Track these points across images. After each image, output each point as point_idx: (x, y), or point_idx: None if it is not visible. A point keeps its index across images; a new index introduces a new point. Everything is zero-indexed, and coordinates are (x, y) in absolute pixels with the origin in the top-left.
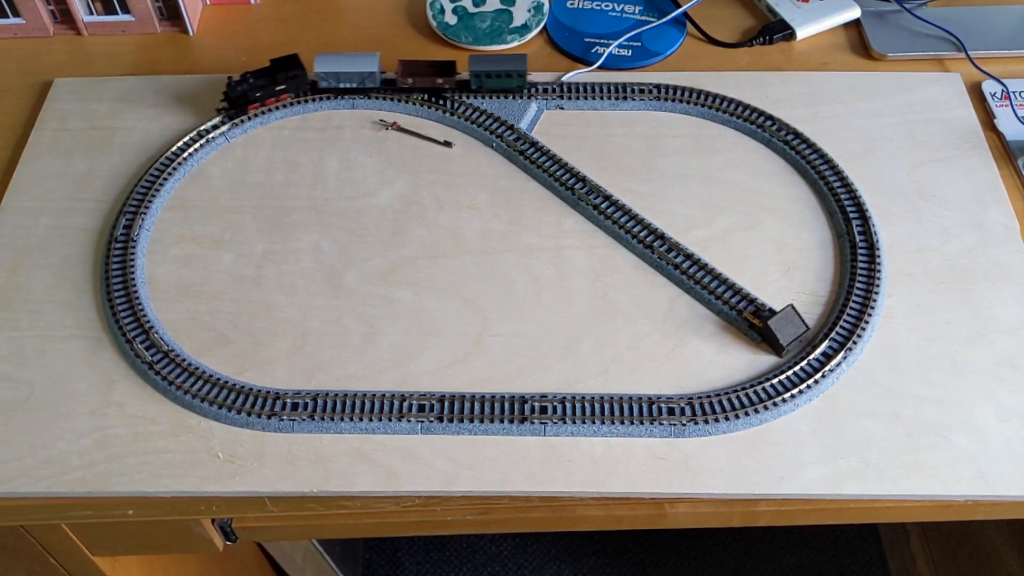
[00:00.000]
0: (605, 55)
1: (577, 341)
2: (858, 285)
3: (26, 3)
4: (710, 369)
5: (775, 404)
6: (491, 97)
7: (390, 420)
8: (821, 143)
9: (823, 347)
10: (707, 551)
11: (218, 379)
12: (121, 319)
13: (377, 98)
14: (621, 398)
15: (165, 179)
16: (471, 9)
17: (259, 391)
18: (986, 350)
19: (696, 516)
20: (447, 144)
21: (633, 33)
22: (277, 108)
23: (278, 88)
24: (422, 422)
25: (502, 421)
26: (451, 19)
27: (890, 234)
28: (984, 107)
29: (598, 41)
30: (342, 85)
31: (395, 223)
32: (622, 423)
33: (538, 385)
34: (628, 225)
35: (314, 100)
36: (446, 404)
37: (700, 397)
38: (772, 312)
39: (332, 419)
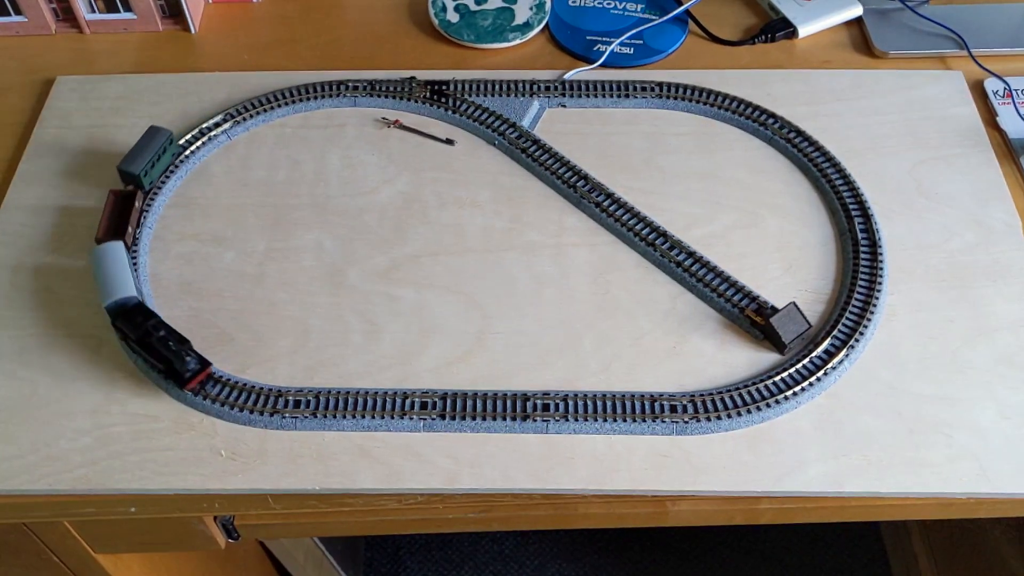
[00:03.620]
0: (607, 53)
1: (579, 338)
2: (860, 283)
3: (28, 1)
4: (712, 366)
5: (777, 402)
6: (493, 95)
7: (392, 417)
8: (823, 141)
9: (825, 345)
10: (709, 549)
11: (220, 376)
12: None
13: (379, 96)
14: (623, 395)
15: (167, 177)
16: (473, 7)
17: (261, 388)
18: (987, 347)
19: (698, 514)
20: (449, 142)
21: (635, 31)
22: (278, 107)
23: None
24: (424, 419)
25: (504, 418)
26: (453, 17)
27: (891, 231)
28: (986, 105)
29: (600, 39)
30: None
31: (397, 221)
32: (624, 420)
33: (540, 382)
34: (630, 223)
35: (315, 98)
36: (448, 401)
37: (702, 394)
38: (774, 310)
39: (334, 416)
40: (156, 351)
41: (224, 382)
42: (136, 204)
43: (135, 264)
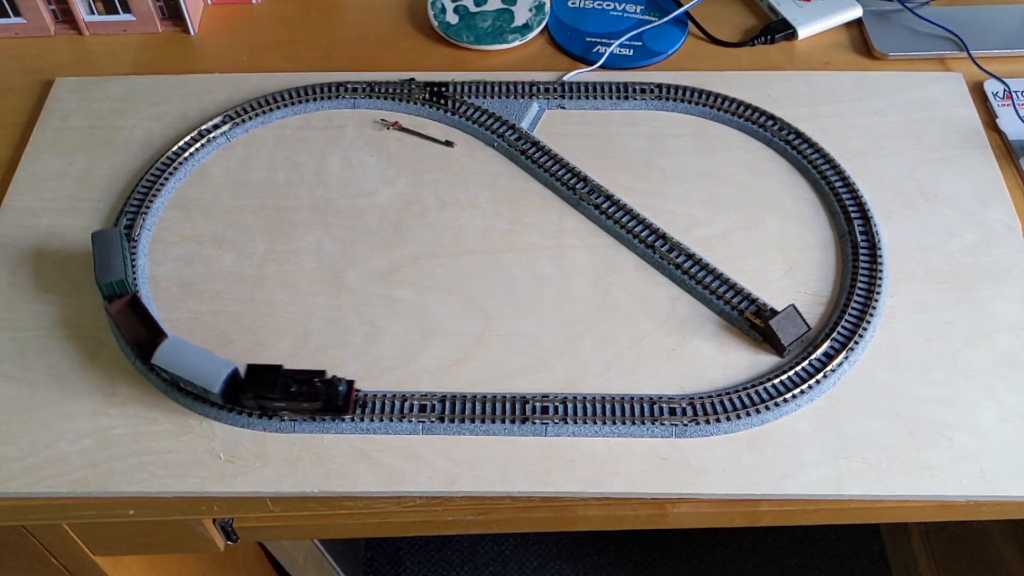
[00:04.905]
0: (607, 54)
1: (578, 340)
2: (859, 284)
3: (27, 3)
4: (711, 369)
5: (777, 404)
6: (493, 97)
7: (391, 420)
8: (822, 142)
9: (825, 347)
10: (708, 550)
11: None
12: None
13: (379, 98)
14: (622, 398)
15: (166, 178)
16: (472, 8)
17: None
18: (988, 349)
19: (698, 516)
20: (449, 144)
21: (635, 32)
22: (278, 109)
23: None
24: (423, 422)
25: (503, 421)
26: (452, 18)
27: (891, 233)
28: (986, 106)
29: (599, 40)
30: (182, 386)
31: (397, 222)
32: (623, 423)
33: (539, 385)
34: (629, 224)
35: (315, 99)
36: (447, 404)
37: (701, 397)
38: (773, 312)
39: (333, 419)
40: (305, 395)
41: None
42: (143, 306)
43: (134, 265)
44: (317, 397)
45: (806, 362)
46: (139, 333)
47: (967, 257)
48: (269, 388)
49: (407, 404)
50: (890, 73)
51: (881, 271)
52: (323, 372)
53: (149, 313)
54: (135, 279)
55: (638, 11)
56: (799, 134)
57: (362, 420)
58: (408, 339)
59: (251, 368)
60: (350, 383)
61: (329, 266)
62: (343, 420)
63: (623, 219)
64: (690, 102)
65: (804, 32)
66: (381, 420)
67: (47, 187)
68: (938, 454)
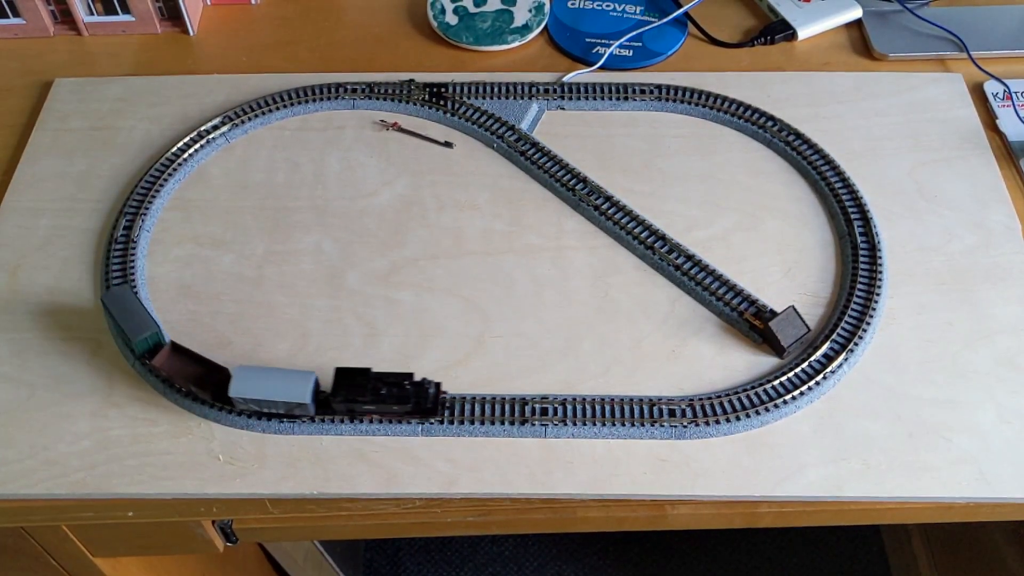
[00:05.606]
0: (606, 55)
1: (578, 342)
2: (859, 286)
3: (27, 3)
4: (711, 370)
5: (776, 406)
6: (492, 98)
7: (390, 421)
8: (822, 143)
9: (824, 348)
10: (708, 551)
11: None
12: None
13: (378, 98)
14: (622, 399)
15: (166, 179)
16: (472, 9)
17: None
18: (987, 350)
19: (697, 517)
20: (448, 144)
21: (634, 33)
22: (277, 110)
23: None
24: (423, 423)
25: (503, 422)
26: (452, 19)
27: (891, 234)
28: (986, 107)
29: (599, 41)
30: (265, 411)
31: (396, 223)
32: (623, 424)
33: (539, 386)
34: (629, 226)
35: (314, 100)
36: (447, 405)
37: (701, 398)
38: (773, 313)
39: (332, 420)
40: (396, 397)
41: None
42: (186, 349)
43: (133, 266)
44: (408, 399)
45: (806, 363)
46: (196, 374)
47: (967, 258)
48: (360, 391)
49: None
50: (890, 74)
51: (881, 272)
52: (411, 375)
53: (195, 352)
54: (135, 285)
55: (638, 12)
56: (799, 135)
57: (361, 422)
58: (407, 340)
59: (339, 371)
60: (437, 385)
61: (328, 267)
62: (433, 422)
63: (622, 220)
64: (690, 103)
65: (804, 33)
66: (380, 422)
67: (46, 187)
68: (938, 456)
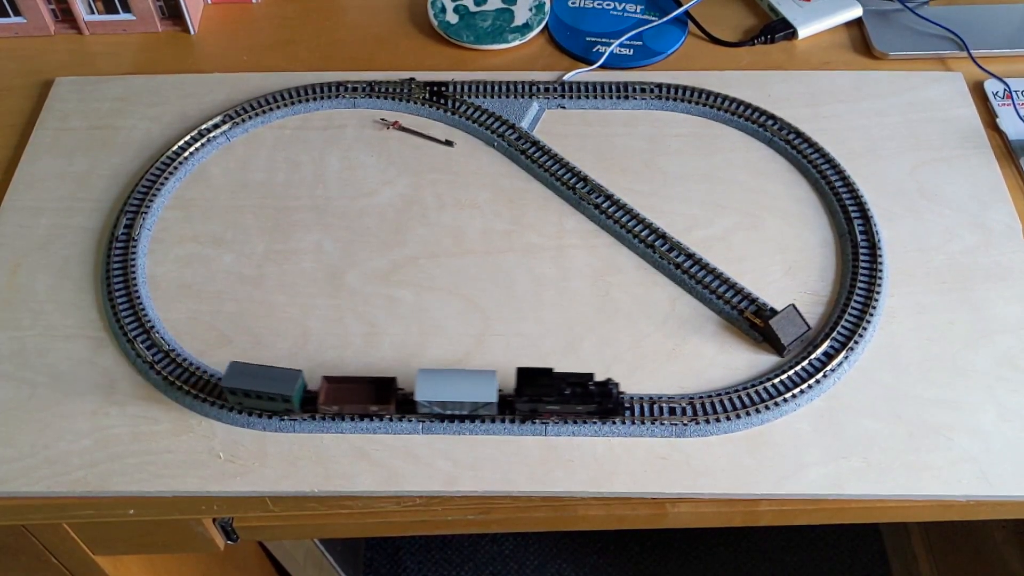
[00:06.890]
0: (607, 54)
1: (578, 341)
2: (859, 285)
3: (27, 2)
4: (711, 369)
5: (776, 404)
6: (492, 96)
7: (391, 420)
8: (823, 142)
9: (824, 347)
10: (708, 549)
11: (219, 379)
12: (122, 319)
13: (378, 97)
14: (622, 398)
15: (166, 178)
16: (472, 8)
17: None
18: (988, 350)
19: (697, 516)
20: (448, 143)
21: (635, 32)
22: (278, 109)
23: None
24: (423, 422)
25: (503, 421)
26: (452, 18)
27: (892, 233)
28: (986, 106)
29: (599, 40)
30: (448, 412)
31: (396, 222)
32: (623, 423)
33: None
34: (630, 224)
35: (314, 99)
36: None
37: (701, 397)
38: (773, 312)
39: (333, 419)
40: (580, 397)
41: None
42: (337, 378)
43: (133, 265)
44: (592, 399)
45: (806, 362)
46: (362, 393)
47: (967, 257)
48: (546, 391)
49: (407, 404)
50: (890, 73)
51: (881, 271)
52: (592, 375)
53: (347, 375)
54: (136, 284)
55: (638, 11)
56: (799, 134)
57: (362, 420)
58: (408, 339)
59: (521, 371)
60: (617, 385)
61: (328, 266)
62: (614, 422)
63: (623, 219)
64: (690, 102)
65: (804, 32)
66: (381, 420)
67: (47, 187)
68: (938, 455)
